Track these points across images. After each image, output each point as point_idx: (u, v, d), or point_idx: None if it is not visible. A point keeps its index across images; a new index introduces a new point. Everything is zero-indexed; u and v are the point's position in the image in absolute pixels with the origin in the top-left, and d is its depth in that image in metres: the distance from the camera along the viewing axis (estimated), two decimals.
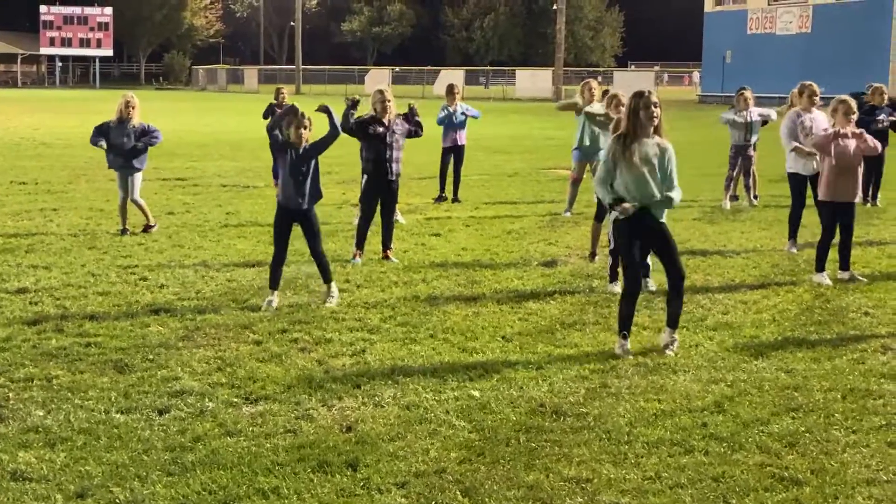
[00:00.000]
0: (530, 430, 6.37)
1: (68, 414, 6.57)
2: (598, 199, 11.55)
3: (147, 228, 13.64)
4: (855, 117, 10.83)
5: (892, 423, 6.55)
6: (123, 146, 13.28)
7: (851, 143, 10.73)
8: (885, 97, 17.26)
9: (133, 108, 13.38)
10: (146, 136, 13.43)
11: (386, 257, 11.89)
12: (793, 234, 12.94)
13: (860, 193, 11.11)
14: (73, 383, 7.20)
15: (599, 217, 11.70)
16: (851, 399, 7.03)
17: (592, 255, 12.01)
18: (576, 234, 13.90)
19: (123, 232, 13.47)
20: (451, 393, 7.08)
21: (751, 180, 17.14)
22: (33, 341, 8.27)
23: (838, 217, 10.83)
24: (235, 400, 6.90)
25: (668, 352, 8.10)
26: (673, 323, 8.24)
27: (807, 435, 6.33)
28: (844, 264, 11.05)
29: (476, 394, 7.06)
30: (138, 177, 13.55)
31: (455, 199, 17.29)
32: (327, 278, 9.82)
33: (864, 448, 6.14)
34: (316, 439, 6.18)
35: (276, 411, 6.69)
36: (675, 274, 8.14)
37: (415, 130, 12.12)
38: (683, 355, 8.07)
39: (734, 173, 16.89)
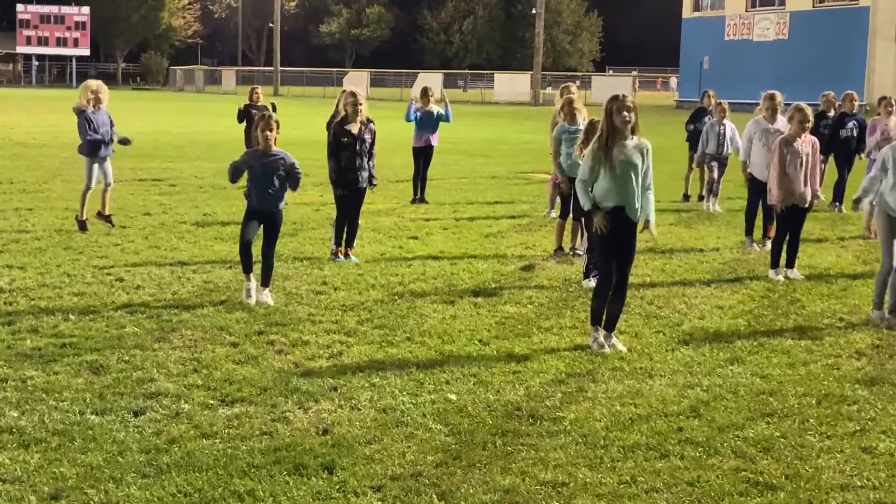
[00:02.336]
0: (507, 434, 6.37)
1: (42, 415, 6.52)
2: (564, 197, 12.00)
3: (108, 219, 13.79)
4: (810, 125, 11.09)
5: (865, 429, 6.60)
6: (106, 134, 13.31)
7: (802, 150, 10.96)
8: (856, 104, 17.38)
9: (94, 92, 13.26)
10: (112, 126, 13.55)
11: (346, 255, 11.91)
12: (749, 232, 13.44)
13: (816, 199, 11.23)
14: (47, 384, 7.15)
15: (564, 215, 12.42)
16: (826, 404, 7.07)
17: (558, 250, 12.49)
18: (553, 238, 13.90)
19: (99, 216, 13.75)
20: (427, 396, 7.08)
21: (717, 186, 17.14)
22: (8, 342, 8.21)
23: (787, 219, 11.13)
24: (211, 402, 6.88)
25: (619, 347, 8.29)
26: (610, 326, 8.40)
27: (781, 440, 6.36)
28: (789, 262, 11.37)
29: (453, 397, 7.06)
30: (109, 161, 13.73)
31: (422, 200, 17.30)
32: (267, 282, 9.80)
33: (839, 453, 6.17)
34: (292, 442, 6.16)
35: (252, 413, 6.66)
36: (619, 279, 8.32)
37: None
38: (659, 360, 8.10)
39: (715, 176, 16.91)
